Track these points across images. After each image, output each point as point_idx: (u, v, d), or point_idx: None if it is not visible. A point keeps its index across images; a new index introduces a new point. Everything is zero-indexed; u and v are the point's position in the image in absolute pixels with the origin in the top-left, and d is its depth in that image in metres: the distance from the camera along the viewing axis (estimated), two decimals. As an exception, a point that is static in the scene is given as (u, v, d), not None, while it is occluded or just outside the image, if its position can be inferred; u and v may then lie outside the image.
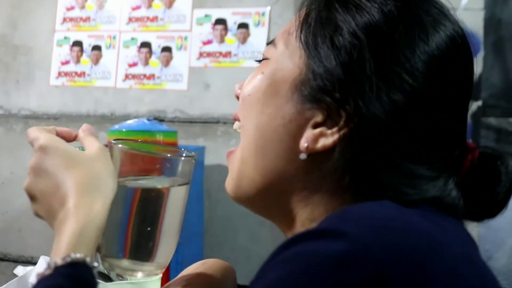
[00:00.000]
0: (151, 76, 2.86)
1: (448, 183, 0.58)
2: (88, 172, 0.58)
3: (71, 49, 3.00)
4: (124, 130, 2.28)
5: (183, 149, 0.65)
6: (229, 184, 0.66)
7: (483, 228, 2.14)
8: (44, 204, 0.59)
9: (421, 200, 0.56)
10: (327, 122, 0.58)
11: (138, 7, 2.90)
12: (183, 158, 0.64)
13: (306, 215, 0.61)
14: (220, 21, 2.76)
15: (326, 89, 0.57)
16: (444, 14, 0.59)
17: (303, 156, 0.59)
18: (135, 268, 0.61)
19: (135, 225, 0.61)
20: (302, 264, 0.46)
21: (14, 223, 3.02)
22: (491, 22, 2.31)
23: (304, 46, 0.60)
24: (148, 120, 2.38)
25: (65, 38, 3.02)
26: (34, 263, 1.10)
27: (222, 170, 2.64)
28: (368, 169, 0.56)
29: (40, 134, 0.61)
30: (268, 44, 0.66)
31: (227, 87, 2.72)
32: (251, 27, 2.71)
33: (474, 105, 2.36)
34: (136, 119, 2.42)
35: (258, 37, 2.70)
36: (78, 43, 3.00)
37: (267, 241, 2.58)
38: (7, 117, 3.10)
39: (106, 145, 0.63)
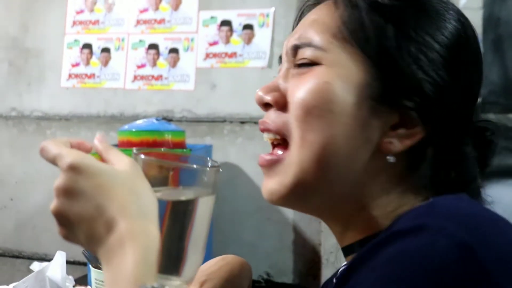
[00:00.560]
0: (159, 77, 2.88)
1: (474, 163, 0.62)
2: (130, 191, 0.53)
3: (81, 52, 3.03)
4: (133, 130, 2.25)
5: (208, 158, 0.62)
6: (276, 191, 0.62)
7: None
8: (83, 229, 0.53)
9: (468, 182, 0.59)
10: (406, 123, 0.58)
11: (145, 10, 2.92)
12: (208, 168, 0.61)
13: (379, 213, 0.60)
14: (226, 23, 2.79)
15: (401, 92, 0.58)
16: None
17: (391, 159, 0.58)
18: (164, 283, 0.57)
19: (166, 238, 0.57)
20: (417, 260, 0.45)
21: (28, 221, 3.05)
22: (490, 20, 2.34)
23: (370, 51, 0.59)
24: (157, 120, 2.34)
25: (75, 41, 3.04)
26: (48, 260, 1.13)
27: (229, 168, 2.70)
28: (447, 163, 0.59)
29: (62, 151, 0.54)
30: (299, 47, 0.62)
31: (233, 87, 2.75)
32: (256, 28, 2.74)
33: (474, 102, 2.38)
34: (145, 119, 2.39)
35: (262, 37, 2.73)
36: (87, 46, 3.02)
37: (273, 237, 2.58)
38: (20, 118, 3.12)
39: (115, 145, 0.62)
